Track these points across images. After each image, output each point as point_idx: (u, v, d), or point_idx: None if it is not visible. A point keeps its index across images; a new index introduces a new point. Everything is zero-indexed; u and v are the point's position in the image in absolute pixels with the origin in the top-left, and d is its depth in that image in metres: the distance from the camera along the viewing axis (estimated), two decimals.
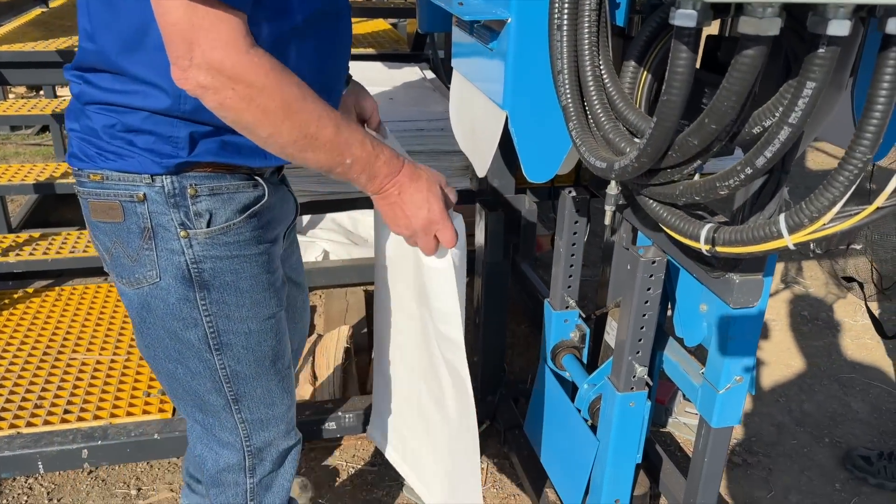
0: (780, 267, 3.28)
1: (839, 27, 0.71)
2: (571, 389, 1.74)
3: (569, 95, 1.05)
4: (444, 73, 2.79)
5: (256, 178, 1.19)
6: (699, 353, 1.61)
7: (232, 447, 1.36)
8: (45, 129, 4.88)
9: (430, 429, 1.54)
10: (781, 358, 2.73)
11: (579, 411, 1.68)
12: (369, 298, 3.01)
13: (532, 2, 1.12)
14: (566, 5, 1.02)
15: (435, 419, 1.50)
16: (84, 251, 2.55)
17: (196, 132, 1.09)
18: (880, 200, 0.85)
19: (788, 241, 0.89)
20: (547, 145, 1.24)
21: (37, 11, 3.67)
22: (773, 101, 0.86)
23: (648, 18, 1.04)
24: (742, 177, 0.87)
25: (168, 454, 1.98)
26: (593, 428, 1.60)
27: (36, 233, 2.68)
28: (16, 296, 2.58)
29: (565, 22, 1.03)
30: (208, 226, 1.14)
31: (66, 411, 2.00)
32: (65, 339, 2.35)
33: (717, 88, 0.80)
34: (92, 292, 2.63)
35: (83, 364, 2.22)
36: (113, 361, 2.25)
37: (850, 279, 2.46)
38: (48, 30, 3.19)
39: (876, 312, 2.70)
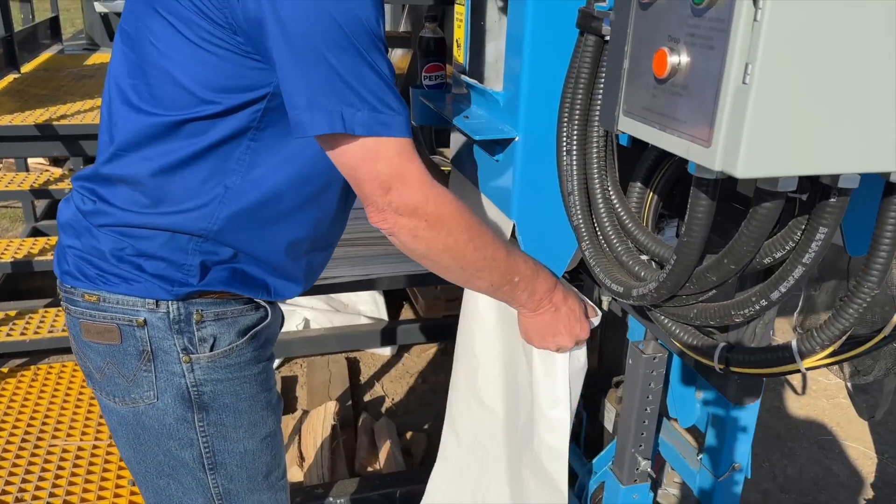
0: None
1: (850, 181, 0.76)
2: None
3: (580, 216, 1.08)
4: (427, 156, 2.83)
5: (258, 306, 1.19)
6: (692, 431, 1.64)
7: None
8: None
9: None
10: (762, 420, 2.77)
11: (578, 499, 1.69)
12: (352, 367, 2.99)
13: (539, 121, 1.16)
14: (575, 131, 1.06)
15: None
16: (63, 330, 2.50)
17: (208, 261, 1.09)
18: (887, 329, 0.90)
19: (801, 366, 0.93)
20: (553, 249, 1.26)
21: (9, 78, 3.64)
22: (783, 235, 0.90)
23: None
24: (757, 307, 0.91)
25: None
26: None
27: (11, 311, 2.62)
28: None
29: (575, 147, 1.07)
30: (211, 350, 1.13)
31: (48, 503, 1.94)
32: (44, 422, 2.28)
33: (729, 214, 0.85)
34: (70, 371, 2.57)
35: (64, 451, 2.16)
36: (95, 447, 2.19)
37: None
38: (23, 99, 3.17)
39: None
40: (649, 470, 1.50)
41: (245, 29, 0.94)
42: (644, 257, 1.05)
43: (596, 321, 1.28)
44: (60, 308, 2.63)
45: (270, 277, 1.16)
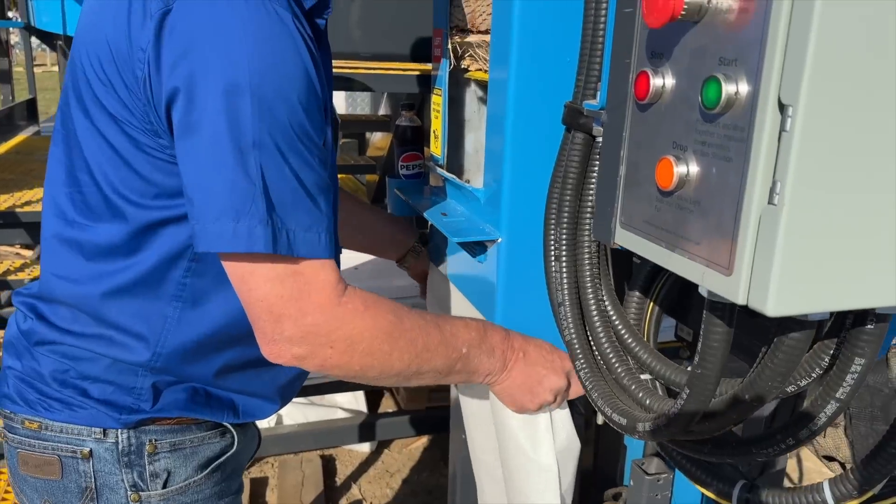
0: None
1: (892, 308, 0.64)
2: None
3: (572, 330, 0.96)
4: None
5: (226, 424, 1.04)
6: None
7: None
8: None
9: None
10: None
11: None
12: (328, 466, 2.80)
13: (524, 221, 1.05)
14: (564, 236, 0.95)
15: None
16: None
17: (160, 382, 0.96)
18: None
19: None
20: None
21: None
22: (809, 359, 0.78)
23: None
24: (783, 447, 0.78)
25: None
26: None
27: None
28: None
29: (564, 253, 0.95)
30: (164, 486, 0.99)
31: None
32: None
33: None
34: None
35: None
36: None
37: (830, 458, 2.38)
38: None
39: None
40: None
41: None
42: (645, 376, 0.92)
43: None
44: None
45: (237, 395, 1.02)
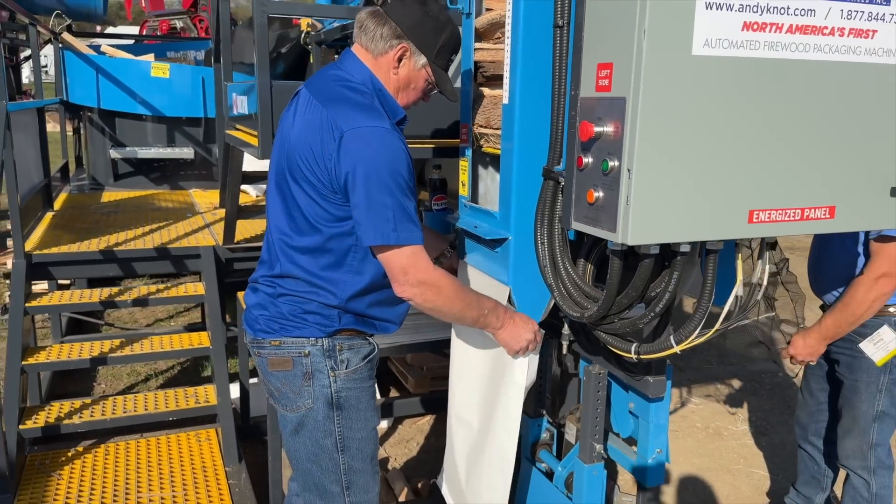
0: (676, 391, 4.15)
1: (686, 248, 1.60)
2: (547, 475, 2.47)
3: (551, 279, 1.90)
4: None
5: (370, 339, 1.94)
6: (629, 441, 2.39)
7: None
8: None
9: (473, 475, 2.25)
10: (687, 458, 3.54)
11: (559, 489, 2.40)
12: None
13: (523, 227, 1.99)
14: (545, 232, 1.89)
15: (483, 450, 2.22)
16: (133, 411, 3.11)
17: (341, 312, 1.85)
18: (717, 325, 1.72)
19: (676, 349, 1.74)
20: (535, 302, 2.06)
21: (49, 215, 4.32)
22: (659, 280, 1.73)
23: (587, 237, 1.92)
24: (649, 318, 1.72)
25: None
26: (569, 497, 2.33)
27: (87, 399, 3.21)
28: (69, 454, 3.07)
29: (545, 240, 1.90)
30: (346, 368, 1.87)
31: None
32: (127, 483, 2.86)
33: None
34: (134, 448, 3.16)
35: (153, 499, 2.75)
36: (182, 495, 2.78)
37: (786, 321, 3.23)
38: (73, 231, 3.85)
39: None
40: (602, 452, 2.25)
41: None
42: (589, 298, 1.86)
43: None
44: (115, 396, 3.23)
45: (378, 321, 1.92)
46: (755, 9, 1.46)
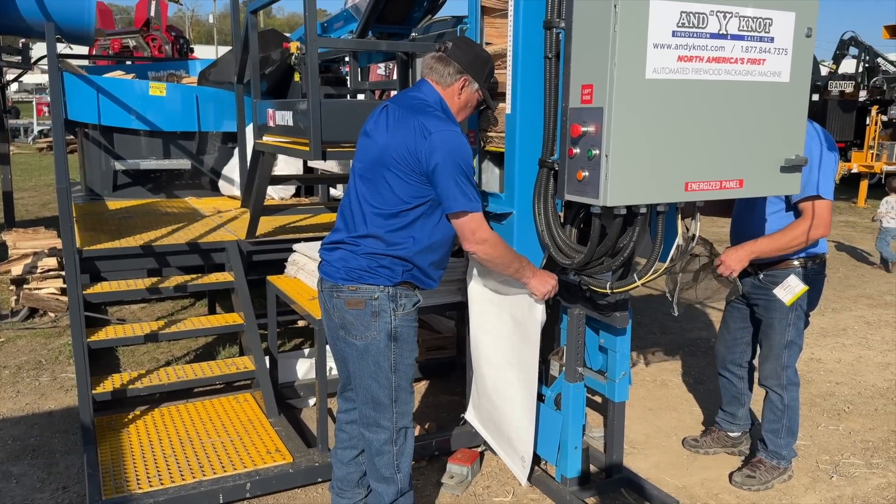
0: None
1: (643, 210, 2.33)
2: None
3: (547, 240, 2.61)
4: None
5: (418, 291, 2.60)
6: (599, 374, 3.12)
7: (387, 430, 2.62)
8: (31, 314, 5.75)
9: (504, 402, 2.94)
10: (640, 402, 4.28)
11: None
12: None
13: (524, 204, 2.69)
14: (541, 205, 2.60)
15: (507, 394, 2.92)
16: (185, 377, 3.68)
17: (404, 269, 2.50)
18: (667, 263, 2.46)
19: (639, 282, 2.47)
20: (533, 257, 2.76)
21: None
22: (624, 235, 2.46)
23: (573, 207, 2.64)
24: (616, 264, 2.45)
25: (295, 482, 3.13)
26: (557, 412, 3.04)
27: (142, 370, 3.76)
28: (130, 416, 3.62)
29: (542, 212, 2.61)
30: (403, 310, 2.53)
31: (222, 466, 3.11)
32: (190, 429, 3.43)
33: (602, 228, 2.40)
34: (184, 410, 3.72)
35: (215, 444, 3.33)
36: (238, 440, 3.37)
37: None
38: (103, 232, 4.38)
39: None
40: (583, 373, 2.97)
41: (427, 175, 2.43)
42: (577, 253, 2.58)
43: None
44: (173, 366, 3.76)
45: (426, 278, 2.58)
46: (685, 47, 2.21)
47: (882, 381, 4.61)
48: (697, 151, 2.31)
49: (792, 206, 3.00)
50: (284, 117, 3.32)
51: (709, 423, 3.87)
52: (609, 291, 2.56)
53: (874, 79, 14.06)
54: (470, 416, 3.27)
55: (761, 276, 3.16)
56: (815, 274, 3.12)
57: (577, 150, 2.30)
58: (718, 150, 2.35)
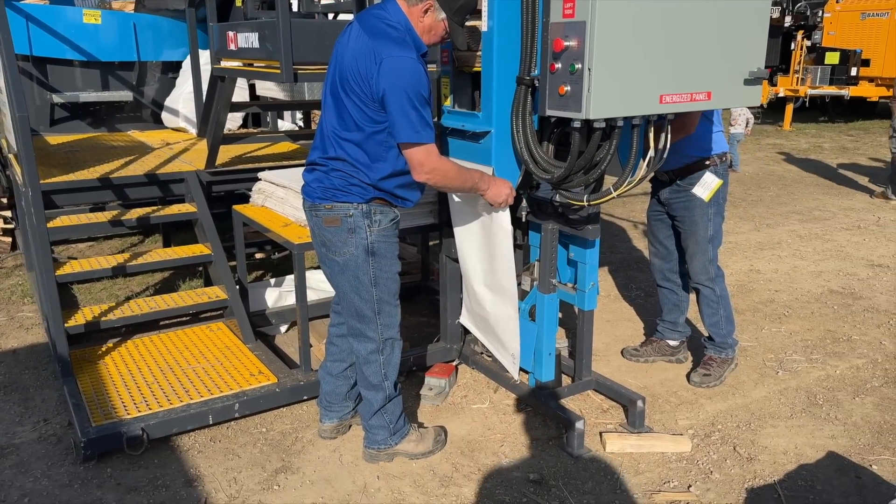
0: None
1: (620, 123, 2.45)
2: None
3: (525, 156, 2.70)
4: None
5: (395, 209, 2.67)
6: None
7: (373, 340, 2.73)
8: None
9: (491, 305, 3.11)
10: (597, 314, 4.52)
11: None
12: None
13: (501, 122, 2.77)
14: (519, 122, 2.68)
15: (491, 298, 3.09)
16: (157, 308, 3.68)
17: (376, 187, 2.56)
18: (641, 173, 2.60)
19: (614, 194, 2.60)
20: (509, 178, 2.86)
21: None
22: (601, 149, 2.57)
23: (550, 123, 2.73)
24: (592, 179, 2.57)
25: (281, 401, 3.23)
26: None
27: (112, 303, 3.73)
28: (104, 349, 3.61)
29: (520, 129, 2.69)
30: (379, 226, 2.60)
31: (208, 390, 3.17)
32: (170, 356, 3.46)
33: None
34: (157, 341, 3.73)
35: (196, 370, 3.38)
36: (219, 365, 3.43)
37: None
38: (55, 166, 4.24)
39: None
40: (556, 284, 3.12)
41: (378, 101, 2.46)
42: (555, 167, 2.69)
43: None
44: (144, 298, 3.74)
45: (397, 199, 2.63)
46: None
47: (816, 288, 4.97)
48: (671, 65, 2.42)
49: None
50: (249, 39, 3.27)
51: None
52: (586, 204, 2.68)
53: (798, 4, 14.47)
54: (464, 319, 3.49)
55: (678, 181, 3.38)
56: (724, 170, 3.36)
57: (558, 65, 2.38)
58: (689, 64, 2.47)
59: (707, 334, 3.62)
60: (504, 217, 2.85)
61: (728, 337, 3.53)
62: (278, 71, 3.02)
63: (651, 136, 2.62)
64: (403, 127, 2.41)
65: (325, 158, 2.56)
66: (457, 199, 3.06)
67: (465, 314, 3.46)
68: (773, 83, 13.77)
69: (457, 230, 3.15)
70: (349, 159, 2.52)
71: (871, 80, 13.97)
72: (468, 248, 3.17)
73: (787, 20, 15.75)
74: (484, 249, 3.08)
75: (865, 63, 13.60)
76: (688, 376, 3.58)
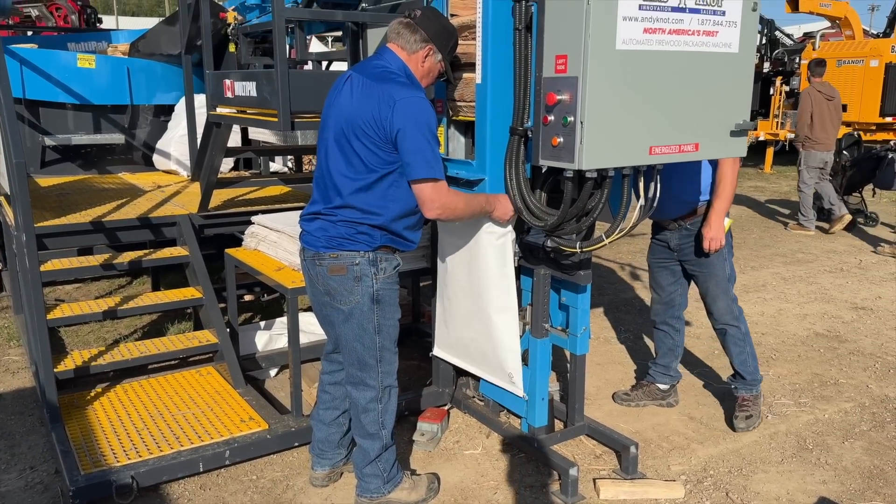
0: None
1: (612, 173, 2.50)
2: None
3: (518, 202, 2.75)
4: None
5: (397, 255, 2.70)
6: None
7: (373, 388, 2.73)
8: None
9: (485, 327, 3.11)
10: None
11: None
12: None
13: (495, 171, 2.82)
14: (513, 171, 2.74)
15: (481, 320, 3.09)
16: (147, 352, 3.66)
17: (382, 235, 2.60)
18: (632, 221, 2.65)
19: (606, 241, 2.65)
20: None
21: (2, 198, 4.63)
22: (592, 198, 2.62)
23: (542, 172, 2.78)
24: (584, 227, 2.63)
25: (272, 448, 3.20)
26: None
27: (102, 347, 3.71)
28: (93, 394, 3.58)
29: (513, 177, 2.74)
30: (384, 274, 2.62)
31: (198, 436, 3.14)
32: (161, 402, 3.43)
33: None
34: (147, 385, 3.71)
35: (186, 416, 3.35)
36: (209, 411, 3.40)
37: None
38: (46, 210, 4.25)
39: None
40: (549, 328, 3.15)
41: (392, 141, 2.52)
42: (548, 215, 2.73)
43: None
44: (133, 342, 3.72)
45: (404, 241, 2.68)
46: (650, 20, 2.38)
47: (801, 331, 5.03)
48: (660, 117, 2.49)
49: None
50: (246, 88, 3.32)
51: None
52: (579, 251, 2.73)
53: (776, 51, 14.86)
54: (439, 351, 3.49)
55: (688, 224, 3.44)
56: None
57: (551, 118, 2.44)
58: (678, 116, 2.54)
59: (731, 374, 3.63)
60: (508, 233, 2.91)
61: (756, 373, 3.56)
62: (275, 119, 3.07)
63: (641, 185, 2.68)
64: (418, 163, 2.48)
65: (330, 208, 2.59)
66: (442, 226, 3.13)
67: (439, 346, 3.46)
68: (754, 127, 14.09)
69: (443, 255, 3.17)
70: (358, 205, 2.56)
71: (848, 124, 14.31)
72: (458, 269, 3.17)
73: (767, 66, 16.18)
74: (482, 269, 3.07)
75: (843, 108, 13.96)
76: (730, 424, 3.56)
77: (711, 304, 3.52)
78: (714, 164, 3.33)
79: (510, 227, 2.91)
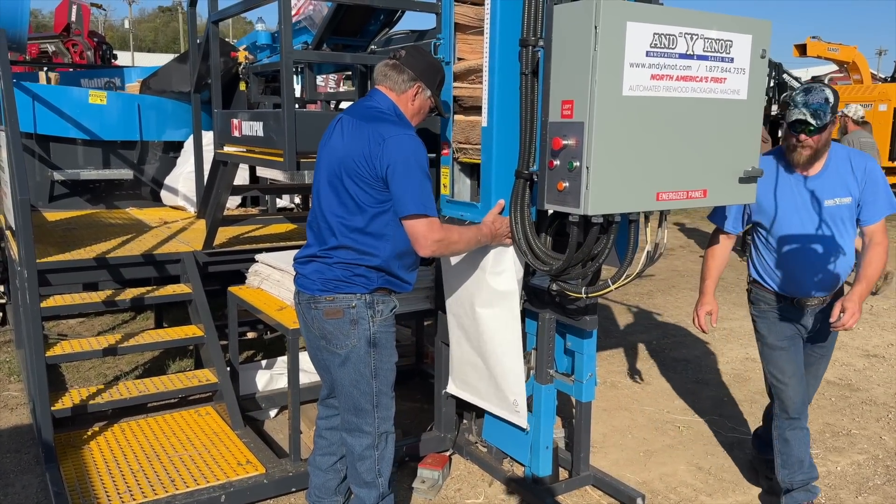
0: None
1: (618, 218, 2.47)
2: None
3: (524, 249, 2.72)
4: None
5: (393, 296, 2.66)
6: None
7: (369, 435, 2.67)
8: None
9: (488, 356, 3.05)
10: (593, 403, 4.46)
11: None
12: None
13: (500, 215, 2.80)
14: (518, 216, 2.71)
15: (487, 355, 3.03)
16: (146, 391, 3.61)
17: (378, 276, 2.56)
18: (639, 267, 2.61)
19: (612, 287, 2.60)
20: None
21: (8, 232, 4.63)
22: (598, 241, 2.59)
23: (548, 216, 2.76)
24: (590, 272, 2.58)
25: (269, 493, 3.13)
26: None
27: (101, 385, 3.66)
28: (89, 433, 3.52)
29: (519, 221, 2.71)
30: (381, 316, 2.58)
31: (194, 480, 3.08)
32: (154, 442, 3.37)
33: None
34: (145, 425, 3.65)
35: (183, 457, 3.29)
36: (206, 453, 3.34)
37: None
38: (51, 245, 4.25)
39: None
40: (554, 374, 3.08)
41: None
42: (553, 259, 2.70)
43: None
44: (132, 381, 3.67)
45: (401, 282, 2.64)
46: (657, 66, 2.36)
47: None
48: (667, 163, 2.47)
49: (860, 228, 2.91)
50: (253, 128, 3.33)
51: (659, 422, 4.06)
52: (584, 296, 2.68)
53: (783, 94, 14.92)
54: (451, 388, 3.41)
55: (829, 298, 2.96)
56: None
57: (557, 162, 2.42)
58: (685, 163, 2.51)
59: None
60: (508, 256, 2.86)
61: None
62: (281, 159, 3.06)
63: (648, 231, 2.64)
64: (408, 200, 2.44)
65: (325, 250, 2.56)
66: (447, 263, 3.12)
67: (453, 382, 3.38)
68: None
69: (448, 291, 3.13)
70: (353, 246, 2.52)
71: None
72: (464, 301, 3.10)
73: (774, 108, 16.14)
74: (486, 297, 3.00)
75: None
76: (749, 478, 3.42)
77: (815, 387, 3.17)
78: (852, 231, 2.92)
79: (518, 270, 2.86)
